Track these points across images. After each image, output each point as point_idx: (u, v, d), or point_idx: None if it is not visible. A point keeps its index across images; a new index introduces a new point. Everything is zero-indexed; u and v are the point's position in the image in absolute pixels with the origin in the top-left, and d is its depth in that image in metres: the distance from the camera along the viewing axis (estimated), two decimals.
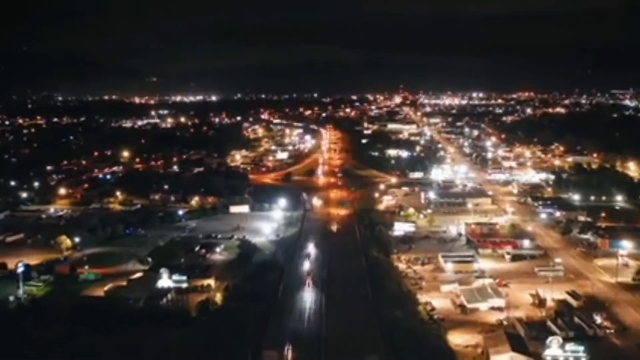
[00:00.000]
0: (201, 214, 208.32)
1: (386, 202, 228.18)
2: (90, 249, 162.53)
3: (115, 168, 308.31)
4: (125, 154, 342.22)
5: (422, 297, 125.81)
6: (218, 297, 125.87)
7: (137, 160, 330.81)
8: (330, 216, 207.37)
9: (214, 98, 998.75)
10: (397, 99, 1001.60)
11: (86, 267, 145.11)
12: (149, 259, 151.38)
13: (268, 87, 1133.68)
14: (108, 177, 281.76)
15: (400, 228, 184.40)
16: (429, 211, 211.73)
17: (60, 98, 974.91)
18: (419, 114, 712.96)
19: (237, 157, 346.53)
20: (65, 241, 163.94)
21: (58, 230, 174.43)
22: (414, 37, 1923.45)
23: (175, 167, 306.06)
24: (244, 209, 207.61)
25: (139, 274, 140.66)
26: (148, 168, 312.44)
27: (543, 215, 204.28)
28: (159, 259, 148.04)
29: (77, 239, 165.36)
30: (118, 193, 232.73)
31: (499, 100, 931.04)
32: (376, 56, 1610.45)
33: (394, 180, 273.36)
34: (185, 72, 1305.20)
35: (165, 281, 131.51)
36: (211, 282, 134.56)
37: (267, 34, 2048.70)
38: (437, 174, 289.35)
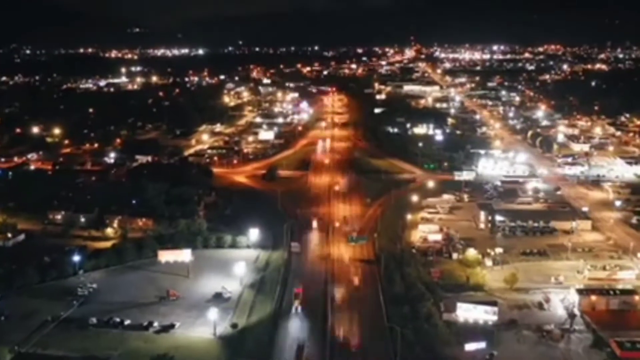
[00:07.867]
0: (113, 259, 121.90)
1: (425, 233, 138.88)
2: None
3: (30, 155, 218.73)
4: (57, 130, 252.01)
5: None
6: None
7: (67, 142, 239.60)
8: (333, 266, 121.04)
9: (200, 52, 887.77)
10: (410, 53, 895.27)
11: None
12: None
13: (263, 39, 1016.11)
14: (9, 173, 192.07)
15: (468, 317, 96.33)
16: (500, 250, 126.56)
17: (28, 52, 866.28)
18: (438, 71, 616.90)
19: (205, 137, 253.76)
20: None
21: None
22: None
23: (112, 155, 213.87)
24: (183, 255, 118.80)
25: None
26: (76, 156, 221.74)
27: None
28: None
29: None
30: None
31: (526, 55, 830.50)
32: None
33: (430, 182, 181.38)
34: (173, 23, 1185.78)
35: None
36: None
37: None
38: (488, 167, 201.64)
